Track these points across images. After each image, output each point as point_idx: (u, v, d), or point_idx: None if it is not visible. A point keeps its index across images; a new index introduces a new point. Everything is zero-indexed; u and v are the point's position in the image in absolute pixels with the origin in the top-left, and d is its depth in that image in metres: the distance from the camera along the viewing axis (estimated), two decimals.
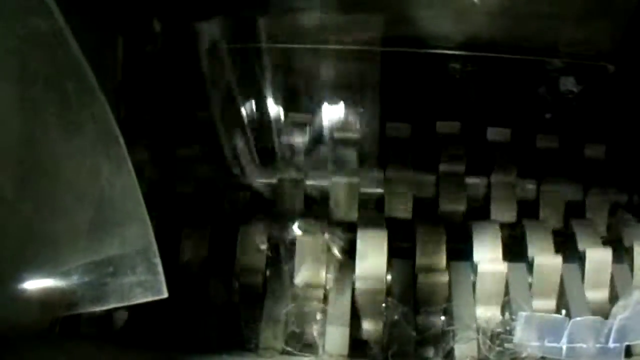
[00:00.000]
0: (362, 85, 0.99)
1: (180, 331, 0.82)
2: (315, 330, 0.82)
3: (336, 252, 0.86)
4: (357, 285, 0.84)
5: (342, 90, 0.98)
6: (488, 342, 0.81)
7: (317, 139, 0.98)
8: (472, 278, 0.86)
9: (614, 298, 0.84)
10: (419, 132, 1.00)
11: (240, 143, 0.95)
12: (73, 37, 0.64)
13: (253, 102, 0.98)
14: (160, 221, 0.73)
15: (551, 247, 0.87)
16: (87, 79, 0.65)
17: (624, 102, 1.03)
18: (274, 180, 0.95)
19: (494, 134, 1.00)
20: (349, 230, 0.88)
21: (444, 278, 0.86)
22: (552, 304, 0.85)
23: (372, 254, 0.85)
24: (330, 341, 0.81)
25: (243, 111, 0.97)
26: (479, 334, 0.82)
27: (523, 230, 0.89)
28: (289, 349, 0.80)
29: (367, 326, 0.84)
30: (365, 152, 0.98)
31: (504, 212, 0.95)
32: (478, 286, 0.85)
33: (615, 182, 0.98)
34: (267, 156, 0.96)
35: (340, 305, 0.83)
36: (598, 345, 0.76)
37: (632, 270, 0.86)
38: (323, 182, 0.95)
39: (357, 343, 0.83)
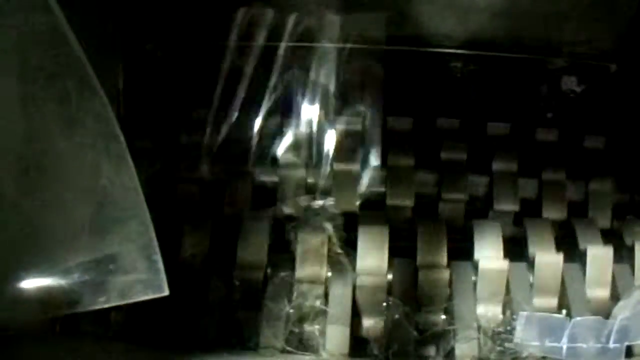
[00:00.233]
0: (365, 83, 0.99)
1: (181, 329, 0.82)
2: (315, 329, 0.82)
3: (337, 248, 0.86)
4: (358, 280, 0.84)
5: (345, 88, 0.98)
6: (489, 341, 0.81)
7: (319, 135, 0.98)
8: (473, 277, 0.86)
9: (615, 297, 0.84)
10: (421, 130, 1.00)
11: (243, 140, 0.95)
12: (73, 35, 0.64)
13: (252, 99, 0.98)
14: (160, 218, 0.72)
15: (552, 245, 0.87)
16: (87, 76, 0.65)
17: (625, 101, 1.03)
18: (275, 178, 0.95)
19: (494, 129, 1.00)
20: (350, 223, 0.88)
21: (445, 277, 0.86)
22: (553, 302, 0.85)
23: (373, 249, 0.85)
24: (331, 340, 0.81)
25: (243, 109, 0.97)
26: (479, 334, 0.82)
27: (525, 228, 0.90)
28: (289, 348, 0.80)
29: (368, 324, 0.84)
30: (368, 150, 0.98)
31: (508, 204, 0.95)
32: (479, 283, 0.85)
33: (617, 181, 0.98)
34: (267, 153, 0.96)
35: (341, 304, 0.83)
36: (599, 345, 0.76)
37: (633, 269, 0.86)
38: (324, 180, 0.95)
39: (357, 342, 0.83)
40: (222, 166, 0.95)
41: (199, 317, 0.83)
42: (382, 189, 0.95)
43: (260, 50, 0.97)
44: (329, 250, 0.86)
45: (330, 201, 0.92)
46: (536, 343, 0.77)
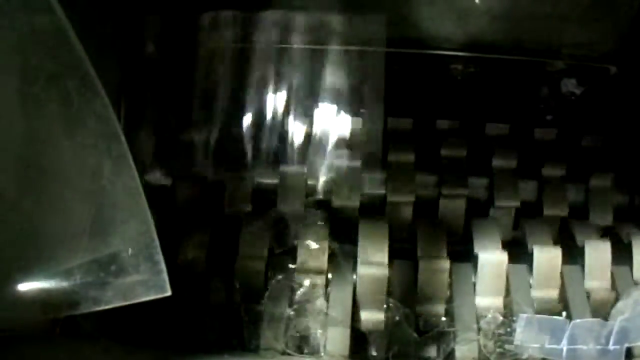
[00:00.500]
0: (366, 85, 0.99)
1: (182, 331, 0.82)
2: (316, 331, 0.82)
3: (338, 249, 0.86)
4: (360, 271, 0.84)
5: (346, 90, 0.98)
6: (489, 343, 0.81)
7: (319, 135, 0.98)
8: (473, 279, 0.86)
9: (615, 298, 0.84)
10: (421, 132, 1.00)
11: (243, 140, 0.95)
12: (75, 35, 0.64)
13: (254, 99, 0.98)
14: (160, 221, 0.72)
15: (551, 244, 0.88)
16: (89, 77, 0.65)
17: (625, 103, 1.03)
18: (275, 180, 0.95)
19: (493, 129, 1.01)
20: (351, 224, 0.88)
21: (445, 279, 0.86)
22: (553, 293, 0.85)
23: (374, 242, 0.85)
24: (331, 342, 0.81)
25: (244, 108, 0.97)
26: (479, 335, 0.82)
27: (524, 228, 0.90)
28: (289, 350, 0.80)
29: (368, 323, 0.84)
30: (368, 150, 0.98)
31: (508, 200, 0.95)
32: (478, 277, 0.85)
33: (616, 182, 0.98)
34: (268, 154, 0.96)
35: (341, 306, 0.83)
36: (599, 347, 0.76)
37: (631, 269, 0.86)
38: (324, 180, 0.95)
39: (357, 344, 0.83)
40: (222, 167, 0.95)
41: (199, 319, 0.83)
42: (383, 190, 0.95)
43: (260, 50, 0.97)
44: (330, 251, 0.86)
45: (330, 202, 0.93)
46: (536, 345, 0.77)
